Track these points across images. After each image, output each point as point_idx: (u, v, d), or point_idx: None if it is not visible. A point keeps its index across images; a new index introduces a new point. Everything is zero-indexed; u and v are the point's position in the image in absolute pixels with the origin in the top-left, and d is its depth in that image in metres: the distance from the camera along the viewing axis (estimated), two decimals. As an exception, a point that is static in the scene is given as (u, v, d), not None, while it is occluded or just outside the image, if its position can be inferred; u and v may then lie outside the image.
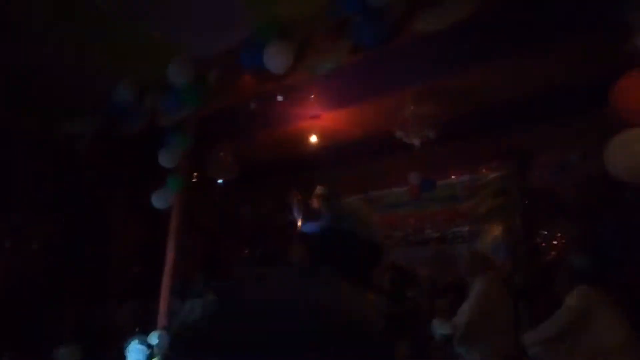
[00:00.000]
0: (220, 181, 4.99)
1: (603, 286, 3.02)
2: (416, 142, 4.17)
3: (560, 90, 3.62)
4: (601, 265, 3.30)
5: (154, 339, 3.59)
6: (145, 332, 3.70)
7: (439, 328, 3.40)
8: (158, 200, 3.91)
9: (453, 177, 5.87)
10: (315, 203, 4.75)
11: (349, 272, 1.32)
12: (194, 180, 4.23)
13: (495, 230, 5.19)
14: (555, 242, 4.23)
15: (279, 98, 3.84)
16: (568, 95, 3.62)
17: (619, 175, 2.22)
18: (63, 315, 4.13)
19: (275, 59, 3.31)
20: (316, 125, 4.73)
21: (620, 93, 2.21)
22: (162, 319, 3.80)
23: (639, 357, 2.69)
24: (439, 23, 2.69)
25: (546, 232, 4.51)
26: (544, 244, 4.53)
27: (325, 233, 1.45)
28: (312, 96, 4.09)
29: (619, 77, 2.28)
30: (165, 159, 3.84)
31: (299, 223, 4.87)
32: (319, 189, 4.77)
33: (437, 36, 2.77)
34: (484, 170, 5.43)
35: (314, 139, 4.92)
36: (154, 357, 3.54)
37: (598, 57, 2.97)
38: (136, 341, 3.53)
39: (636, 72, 2.20)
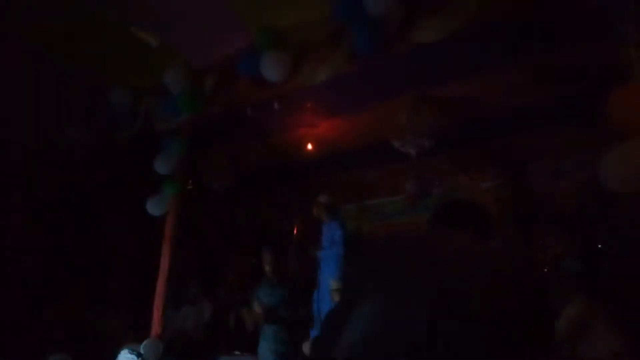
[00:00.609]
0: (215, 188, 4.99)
1: (599, 295, 3.02)
2: (413, 151, 4.18)
3: (555, 100, 3.64)
4: (597, 274, 3.30)
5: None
6: (138, 339, 3.66)
7: None
8: (153, 207, 3.89)
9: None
10: (316, 211, 4.73)
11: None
12: (189, 187, 4.21)
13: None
14: (550, 251, 4.23)
15: (276, 106, 3.84)
16: (562, 104, 3.64)
17: (613, 187, 2.23)
18: (55, 322, 4.09)
19: (272, 68, 3.33)
20: (313, 133, 4.74)
21: (614, 106, 2.22)
22: (155, 327, 3.77)
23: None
24: (436, 33, 2.71)
25: (541, 241, 4.51)
26: (539, 252, 4.54)
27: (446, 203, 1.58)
28: (308, 104, 4.11)
29: (613, 87, 2.29)
30: (160, 166, 3.83)
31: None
32: (321, 197, 4.75)
33: (433, 46, 2.79)
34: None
35: (310, 147, 4.92)
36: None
37: (592, 67, 3.00)
38: (126, 350, 3.49)
39: (629, 86, 2.21)
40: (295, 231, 5.17)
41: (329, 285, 4.22)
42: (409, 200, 5.74)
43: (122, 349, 3.53)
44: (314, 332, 3.84)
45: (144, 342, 3.57)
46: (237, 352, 4.21)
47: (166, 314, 3.83)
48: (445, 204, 1.58)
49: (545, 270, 4.12)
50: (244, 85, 3.67)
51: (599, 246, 3.63)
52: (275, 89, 3.54)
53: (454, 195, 1.59)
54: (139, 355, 3.50)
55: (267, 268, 3.47)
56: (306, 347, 3.80)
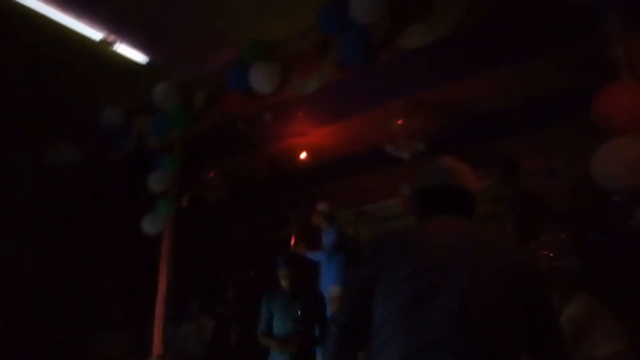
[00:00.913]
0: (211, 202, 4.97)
1: (599, 293, 3.02)
2: (406, 155, 4.18)
3: (546, 99, 3.66)
4: (595, 272, 3.30)
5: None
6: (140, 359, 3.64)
7: None
8: (149, 225, 3.87)
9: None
10: (315, 220, 4.72)
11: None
12: (184, 203, 4.19)
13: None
14: (548, 249, 4.24)
15: (267, 117, 3.84)
16: (553, 103, 3.66)
17: (603, 184, 2.24)
18: (55, 345, 4.04)
19: (262, 80, 3.33)
20: (306, 142, 4.73)
21: (602, 104, 2.24)
22: (157, 347, 3.74)
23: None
24: (423, 39, 2.72)
25: (540, 239, 4.52)
26: (538, 251, 4.54)
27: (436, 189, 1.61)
28: (300, 114, 4.11)
29: (602, 86, 2.30)
30: (154, 183, 3.81)
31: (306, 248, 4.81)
32: (321, 205, 4.74)
33: (421, 51, 2.79)
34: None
35: (304, 155, 4.92)
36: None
37: (580, 67, 3.01)
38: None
39: (615, 84, 2.23)
40: (292, 241, 5.15)
41: (328, 292, 4.22)
42: (404, 204, 5.75)
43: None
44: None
45: (149, 361, 3.55)
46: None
47: (167, 332, 3.81)
48: (438, 190, 1.59)
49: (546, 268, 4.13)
50: (235, 98, 3.67)
51: (596, 244, 3.64)
52: (266, 101, 3.53)
53: (441, 178, 1.60)
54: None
55: (284, 283, 3.33)
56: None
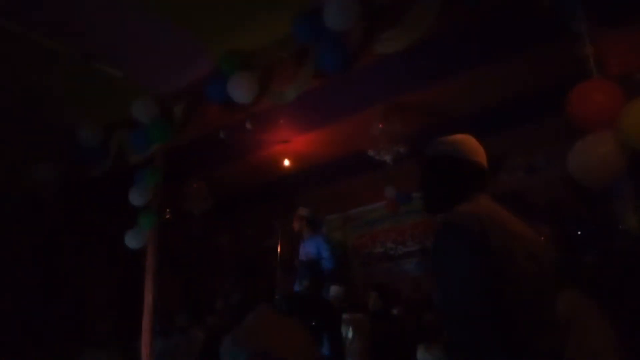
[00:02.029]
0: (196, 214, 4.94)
1: (584, 288, 3.05)
2: (388, 158, 4.21)
3: (522, 98, 3.72)
4: (579, 267, 3.34)
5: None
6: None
7: (424, 354, 3.29)
8: (131, 240, 3.82)
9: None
10: (297, 226, 4.72)
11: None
12: (167, 216, 4.16)
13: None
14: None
15: (248, 126, 3.83)
16: (530, 102, 3.72)
17: (580, 180, 2.29)
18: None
19: (240, 90, 3.32)
20: (288, 150, 4.74)
21: (574, 102, 2.28)
22: (145, 361, 3.69)
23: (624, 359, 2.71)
24: (398, 44, 2.74)
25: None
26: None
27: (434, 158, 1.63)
28: (280, 122, 4.11)
29: (576, 83, 2.35)
30: (135, 197, 3.78)
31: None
32: (301, 211, 4.74)
33: (397, 56, 2.82)
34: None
35: (287, 163, 4.92)
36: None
37: (554, 65, 3.06)
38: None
39: (586, 83, 2.27)
40: (279, 249, 5.15)
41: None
42: (389, 206, 5.79)
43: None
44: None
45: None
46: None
47: (156, 346, 3.76)
48: (477, 168, 1.60)
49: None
50: (214, 109, 3.65)
51: (578, 239, 3.69)
52: (246, 110, 3.53)
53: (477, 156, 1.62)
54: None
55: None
56: None
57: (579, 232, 3.67)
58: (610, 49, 2.42)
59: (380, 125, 4.05)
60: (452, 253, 1.38)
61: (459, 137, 1.68)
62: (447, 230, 1.43)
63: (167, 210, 4.20)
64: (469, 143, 1.65)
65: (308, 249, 4.61)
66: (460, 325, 1.36)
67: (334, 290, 4.25)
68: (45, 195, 3.93)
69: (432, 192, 1.62)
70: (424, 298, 5.01)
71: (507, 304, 1.30)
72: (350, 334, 3.83)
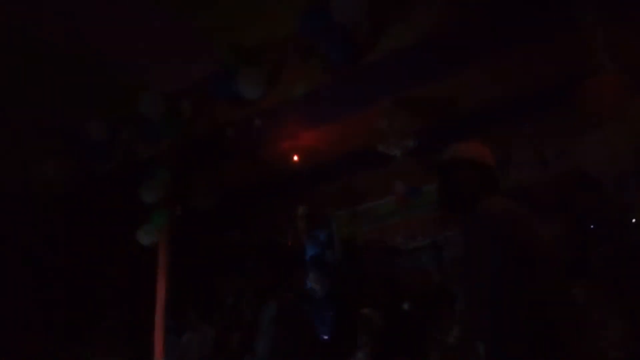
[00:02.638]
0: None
1: (598, 281, 3.02)
2: (397, 152, 4.20)
3: (531, 91, 3.67)
4: (593, 261, 3.31)
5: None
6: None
7: None
8: (143, 236, 3.86)
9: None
10: (300, 225, 4.74)
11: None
12: (178, 213, 4.18)
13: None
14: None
15: (257, 123, 3.84)
16: (540, 95, 3.67)
17: (592, 172, 2.27)
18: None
19: (248, 86, 3.32)
20: (297, 146, 4.73)
21: (585, 94, 2.25)
22: (158, 357, 3.73)
23: (636, 351, 2.69)
24: (406, 38, 2.73)
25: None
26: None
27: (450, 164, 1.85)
28: (289, 118, 4.10)
29: (585, 75, 2.32)
30: (146, 195, 3.81)
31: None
32: (300, 210, 4.77)
33: (405, 50, 2.81)
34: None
35: (295, 159, 4.92)
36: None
37: (564, 58, 3.02)
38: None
39: (598, 74, 2.24)
40: (289, 245, 5.16)
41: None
42: (399, 201, 5.77)
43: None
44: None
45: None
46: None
47: (168, 343, 3.80)
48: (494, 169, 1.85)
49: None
50: (222, 105, 3.66)
51: (590, 232, 3.65)
52: (254, 107, 3.53)
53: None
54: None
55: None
56: None
57: (592, 226, 3.63)
58: (620, 39, 2.38)
59: (389, 120, 4.04)
60: (487, 244, 1.53)
61: (471, 142, 1.93)
62: (480, 224, 1.60)
63: (178, 207, 4.21)
64: (481, 147, 1.88)
65: (313, 245, 4.62)
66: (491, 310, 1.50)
67: (312, 277, 4.27)
68: (54, 193, 3.97)
69: (453, 194, 1.81)
70: (435, 292, 4.99)
71: (534, 291, 1.44)
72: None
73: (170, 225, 3.96)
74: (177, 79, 3.61)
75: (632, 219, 3.41)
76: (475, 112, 4.05)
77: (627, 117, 2.09)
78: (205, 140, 4.07)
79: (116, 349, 4.25)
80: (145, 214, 3.84)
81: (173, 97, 3.76)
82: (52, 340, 4.06)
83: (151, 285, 3.83)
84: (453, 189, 1.82)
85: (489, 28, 2.94)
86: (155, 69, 3.49)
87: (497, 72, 3.49)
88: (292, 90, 3.29)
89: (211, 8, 2.96)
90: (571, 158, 3.54)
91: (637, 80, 2.18)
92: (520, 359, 1.41)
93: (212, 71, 3.44)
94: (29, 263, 4.09)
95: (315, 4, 2.88)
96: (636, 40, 2.45)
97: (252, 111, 3.63)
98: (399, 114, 3.91)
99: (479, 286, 1.57)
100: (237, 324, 4.83)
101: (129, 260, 4.37)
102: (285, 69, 3.34)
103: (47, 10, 2.89)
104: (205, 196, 4.71)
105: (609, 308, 2.90)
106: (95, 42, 3.18)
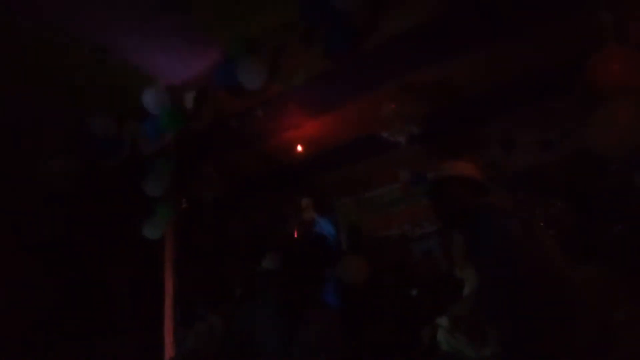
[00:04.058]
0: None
1: (608, 261, 3.00)
2: (401, 139, 4.17)
3: (535, 73, 3.62)
4: (603, 241, 3.29)
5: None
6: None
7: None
8: (149, 230, 3.87)
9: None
10: (306, 216, 4.75)
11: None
12: (183, 205, 4.19)
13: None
14: (548, 223, 4.23)
15: (259, 113, 3.82)
16: (545, 76, 3.62)
17: (601, 151, 2.24)
18: (63, 354, 4.07)
19: (249, 75, 3.30)
20: (300, 135, 4.71)
21: (594, 70, 2.21)
22: (168, 349, 3.76)
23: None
24: (406, 22, 2.69)
25: (546, 212, 4.49)
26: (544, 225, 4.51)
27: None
28: (291, 106, 4.08)
29: (592, 55, 2.28)
30: (151, 188, 3.80)
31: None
32: (304, 202, 4.77)
33: (406, 35, 2.77)
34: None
35: (299, 148, 4.91)
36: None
37: (568, 39, 2.97)
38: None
39: (606, 50, 2.20)
40: (295, 235, 5.16)
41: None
42: (404, 188, 5.75)
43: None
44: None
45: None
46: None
47: (178, 334, 3.82)
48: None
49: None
50: (224, 96, 3.64)
51: (598, 213, 3.62)
52: (256, 96, 3.51)
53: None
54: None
55: None
56: None
57: (601, 205, 3.59)
58: (629, 15, 2.34)
59: (392, 106, 4.01)
60: (492, 239, 1.67)
61: (457, 160, 2.09)
62: (485, 220, 1.73)
63: (183, 199, 4.22)
64: (467, 164, 2.02)
65: (320, 232, 4.62)
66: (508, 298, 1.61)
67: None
68: (61, 188, 3.98)
69: (446, 211, 1.96)
70: (441, 278, 4.99)
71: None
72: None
73: (176, 218, 3.96)
74: (179, 71, 3.59)
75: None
76: (479, 96, 4.00)
77: (637, 92, 2.06)
78: (208, 131, 4.05)
79: (126, 341, 4.29)
80: (150, 207, 3.85)
81: (176, 90, 3.75)
82: (62, 334, 4.10)
83: (159, 278, 3.85)
84: (445, 206, 1.96)
85: (490, 11, 2.89)
86: (157, 61, 3.47)
87: (499, 55, 3.45)
88: (292, 78, 3.27)
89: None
90: (576, 139, 3.50)
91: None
92: (529, 343, 1.49)
93: (214, 62, 3.42)
94: (37, 257, 4.11)
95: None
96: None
97: (254, 101, 3.61)
98: (404, 100, 3.88)
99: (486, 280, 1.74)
100: (246, 315, 4.85)
101: (136, 253, 4.39)
102: (286, 57, 3.31)
103: (47, 4, 2.87)
104: (211, 188, 4.71)
105: (618, 288, 2.88)
106: (97, 36, 3.16)
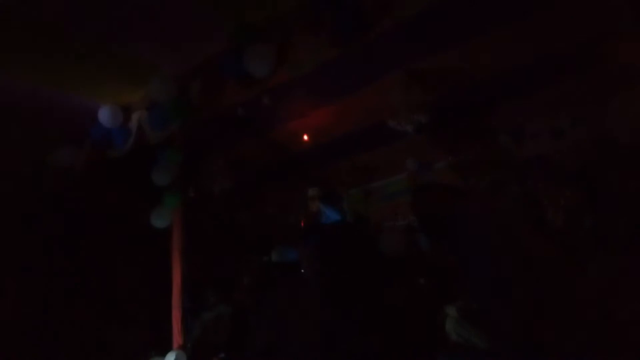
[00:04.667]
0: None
1: (622, 250, 2.95)
2: (409, 128, 4.13)
3: (546, 58, 3.56)
4: (611, 231, 3.24)
5: (169, 358, 3.56)
6: (161, 353, 3.67)
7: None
8: (157, 219, 3.87)
9: (450, 158, 5.83)
10: (313, 206, 4.73)
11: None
12: (191, 195, 4.19)
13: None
14: (560, 210, 4.17)
15: (266, 101, 3.79)
16: (554, 62, 3.56)
17: (622, 138, 2.19)
18: (72, 345, 4.10)
19: (256, 63, 3.27)
20: (307, 124, 4.69)
21: (623, 52, 2.16)
22: (176, 338, 3.77)
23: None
24: (414, 7, 2.65)
25: (553, 198, 4.43)
26: (552, 210, 4.45)
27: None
28: (299, 95, 4.05)
29: (601, 42, 2.23)
30: (158, 177, 3.80)
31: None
32: (311, 192, 4.75)
33: (415, 20, 2.73)
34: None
35: (306, 138, 4.88)
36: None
37: (578, 24, 2.91)
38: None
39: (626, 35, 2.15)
40: (302, 225, 5.15)
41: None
42: (411, 178, 5.73)
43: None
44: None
45: (167, 355, 3.58)
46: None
47: (186, 324, 3.83)
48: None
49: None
50: (231, 85, 3.62)
51: (610, 201, 3.56)
52: (262, 85, 3.48)
53: None
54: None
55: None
56: None
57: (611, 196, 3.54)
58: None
59: (400, 95, 3.96)
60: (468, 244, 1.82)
61: None
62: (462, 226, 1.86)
63: (191, 189, 4.21)
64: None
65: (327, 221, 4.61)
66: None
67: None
68: (69, 179, 3.98)
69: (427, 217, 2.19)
70: (449, 267, 4.96)
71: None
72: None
73: (183, 208, 3.96)
74: (185, 60, 3.58)
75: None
76: (488, 83, 3.95)
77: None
78: (215, 121, 4.04)
79: (135, 331, 4.32)
80: (158, 197, 3.85)
81: (182, 79, 3.73)
82: (71, 323, 4.13)
83: (167, 267, 3.85)
84: (426, 213, 2.13)
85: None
86: (164, 50, 3.45)
87: (509, 40, 3.39)
88: (300, 65, 3.23)
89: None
90: (588, 126, 3.44)
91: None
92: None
93: (220, 51, 3.39)
94: (46, 248, 4.13)
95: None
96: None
97: (262, 90, 3.57)
98: (411, 88, 3.83)
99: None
100: (254, 304, 4.87)
101: (144, 242, 4.39)
102: (293, 44, 3.28)
103: None
104: (218, 178, 4.71)
105: (630, 280, 2.84)
106: (102, 24, 3.14)
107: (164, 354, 3.62)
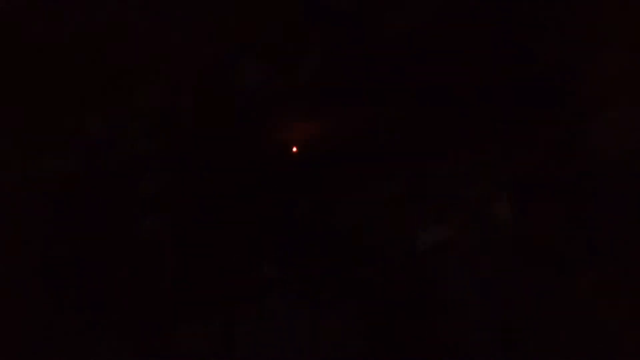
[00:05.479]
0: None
1: (606, 268, 2.99)
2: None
3: (531, 77, 3.62)
4: (600, 247, 3.28)
5: None
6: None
7: None
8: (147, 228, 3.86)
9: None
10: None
11: None
12: (180, 202, 4.20)
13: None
14: (551, 225, 4.20)
15: (258, 112, 3.81)
16: (539, 81, 3.62)
17: (607, 152, 2.22)
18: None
19: (246, 73, 3.30)
20: (297, 135, 4.69)
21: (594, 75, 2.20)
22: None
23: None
24: (407, 23, 2.70)
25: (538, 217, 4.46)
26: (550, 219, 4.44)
27: None
28: (291, 107, 4.07)
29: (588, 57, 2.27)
30: (147, 186, 3.80)
31: None
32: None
33: (406, 36, 2.77)
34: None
35: (294, 149, 4.88)
36: None
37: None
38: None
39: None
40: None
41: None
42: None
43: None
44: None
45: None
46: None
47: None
48: None
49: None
50: (224, 94, 3.64)
51: (599, 216, 3.60)
52: (255, 94, 3.51)
53: None
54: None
55: None
56: None
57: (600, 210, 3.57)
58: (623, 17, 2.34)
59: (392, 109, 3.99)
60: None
61: None
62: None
63: (180, 197, 4.22)
64: None
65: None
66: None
67: None
68: (56, 187, 3.99)
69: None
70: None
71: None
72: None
73: (174, 215, 3.97)
74: (177, 70, 3.59)
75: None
76: (482, 97, 4.00)
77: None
78: (206, 130, 4.05)
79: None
80: (148, 205, 3.84)
81: (173, 89, 3.75)
82: (64, 329, 4.10)
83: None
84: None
85: (487, 14, 2.89)
86: (155, 60, 3.47)
87: (493, 58, 3.45)
88: (292, 77, 3.27)
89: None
90: (576, 141, 3.48)
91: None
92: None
93: (213, 60, 3.42)
94: (34, 256, 4.11)
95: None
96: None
97: (254, 99, 3.60)
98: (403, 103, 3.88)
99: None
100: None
101: (135, 251, 4.38)
102: (284, 56, 3.31)
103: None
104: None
105: (620, 295, 2.87)
106: (96, 33, 3.16)
107: None
